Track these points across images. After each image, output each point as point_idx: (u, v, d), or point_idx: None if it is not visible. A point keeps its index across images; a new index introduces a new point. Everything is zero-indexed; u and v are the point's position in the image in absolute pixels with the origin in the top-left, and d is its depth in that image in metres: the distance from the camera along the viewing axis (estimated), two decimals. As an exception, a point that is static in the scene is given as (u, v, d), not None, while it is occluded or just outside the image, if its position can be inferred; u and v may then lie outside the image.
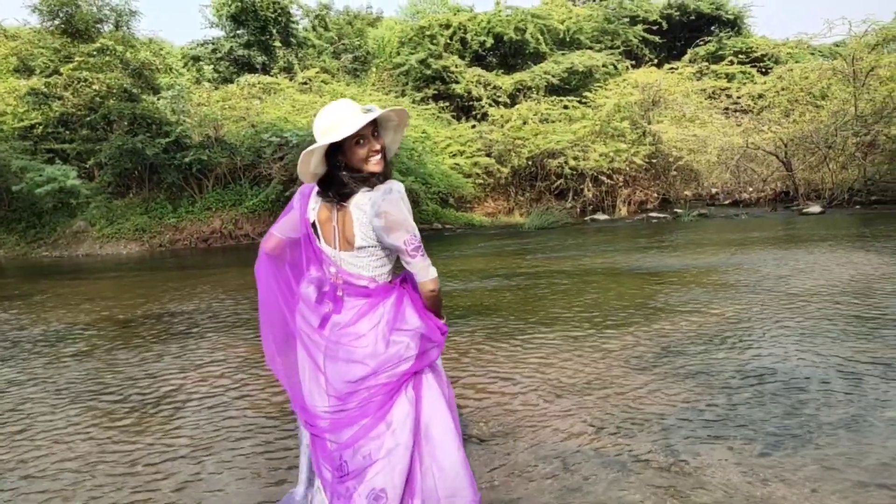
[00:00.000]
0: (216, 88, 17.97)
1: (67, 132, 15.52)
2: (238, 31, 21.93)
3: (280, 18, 21.60)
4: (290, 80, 18.53)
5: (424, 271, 2.04)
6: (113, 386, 4.38)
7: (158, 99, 15.75)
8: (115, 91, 15.25)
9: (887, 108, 15.12)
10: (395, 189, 1.99)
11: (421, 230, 2.07)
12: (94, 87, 15.09)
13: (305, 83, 18.17)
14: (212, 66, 21.54)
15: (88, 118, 15.11)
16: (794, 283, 6.55)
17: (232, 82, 18.89)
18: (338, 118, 1.97)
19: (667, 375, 4.02)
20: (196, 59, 22.46)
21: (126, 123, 14.78)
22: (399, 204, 1.97)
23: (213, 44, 22.22)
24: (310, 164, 2.01)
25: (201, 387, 4.27)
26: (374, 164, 2.02)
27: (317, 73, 18.53)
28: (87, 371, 4.77)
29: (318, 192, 2.08)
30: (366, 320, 2.03)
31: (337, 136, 1.94)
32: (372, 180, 2.01)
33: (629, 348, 4.64)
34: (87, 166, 15.31)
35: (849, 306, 5.48)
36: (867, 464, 2.75)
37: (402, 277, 2.16)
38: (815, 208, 14.62)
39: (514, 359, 4.51)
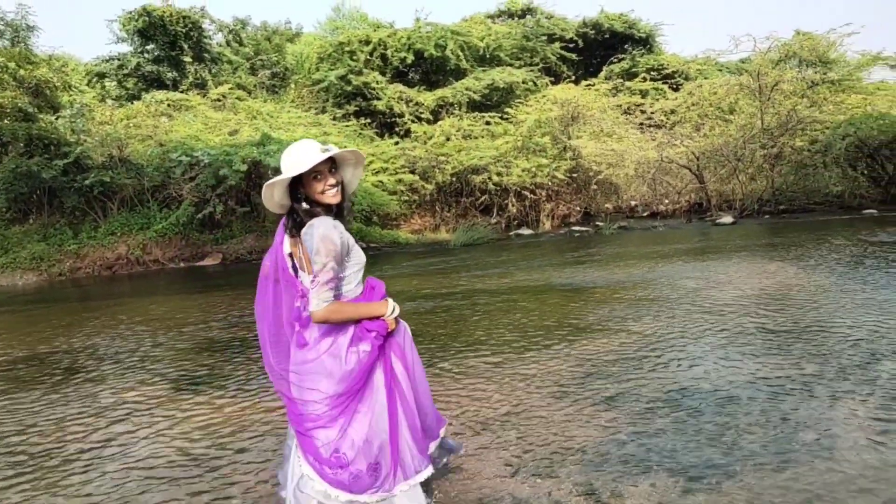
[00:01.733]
0: (121, 106, 17.01)
1: (-45, 155, 14.28)
2: (147, 47, 20.96)
3: (192, 33, 20.78)
4: (203, 96, 17.78)
5: (310, 304, 2.27)
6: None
7: (57, 118, 14.75)
8: (9, 111, 14.15)
9: (791, 121, 15.90)
10: (314, 225, 2.23)
11: None
12: (-15, 106, 13.97)
13: (219, 100, 17.47)
14: (116, 83, 20.44)
15: (-22, 140, 13.96)
16: (710, 297, 6.59)
17: (140, 100, 17.97)
18: (298, 155, 2.22)
19: (588, 402, 3.85)
20: (101, 75, 21.29)
21: (22, 145, 13.72)
22: (315, 240, 2.21)
23: (118, 59, 21.13)
24: (273, 196, 2.28)
25: (100, 435, 3.79)
26: (331, 197, 2.29)
27: (230, 88, 17.85)
28: (-53, 428, 4.18)
29: (284, 224, 2.35)
30: (331, 342, 2.32)
31: (294, 172, 2.20)
32: (329, 213, 2.30)
33: (551, 373, 4.47)
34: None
35: (763, 319, 5.52)
36: (795, 498, 2.63)
37: (369, 285, 2.49)
38: (728, 219, 15.14)
39: (433, 392, 4.23)
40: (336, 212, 2.34)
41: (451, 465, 3.11)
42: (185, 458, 3.45)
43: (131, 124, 15.22)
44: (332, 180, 2.28)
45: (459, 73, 21.42)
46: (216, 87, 18.99)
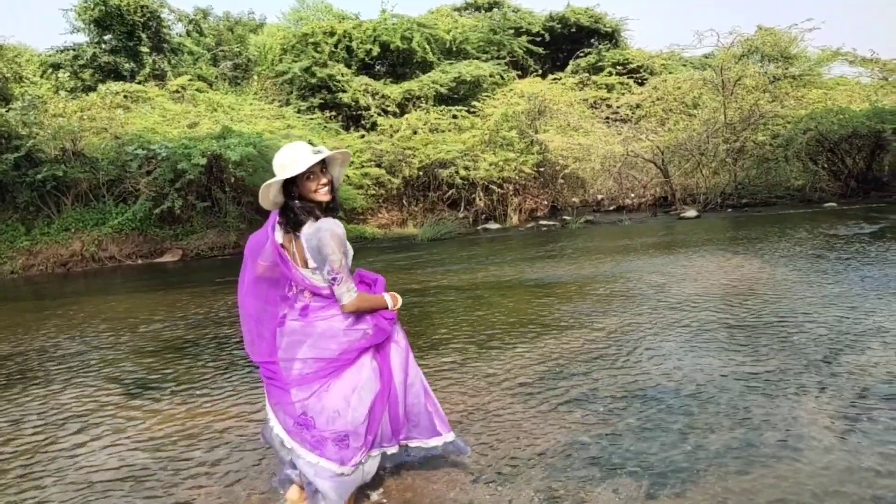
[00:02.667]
0: (75, 98, 16.43)
1: None
2: (104, 37, 20.28)
3: (150, 23, 20.18)
4: (161, 88, 17.27)
5: (341, 297, 2.48)
6: None
7: (8, 110, 14.15)
8: (-45, 103, 13.56)
9: (753, 115, 16.10)
10: (322, 228, 2.42)
11: None
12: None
13: (178, 91, 16.99)
14: (71, 74, 19.75)
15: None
16: (674, 292, 6.58)
17: (96, 91, 17.38)
18: (292, 157, 2.39)
19: (551, 403, 3.76)
20: (56, 66, 20.54)
21: (-30, 139, 13.14)
22: (326, 240, 2.40)
23: (74, 50, 20.41)
24: (269, 195, 2.47)
25: (52, 443, 3.56)
26: (323, 195, 2.48)
27: (190, 80, 17.36)
28: None
29: (278, 221, 2.52)
30: (330, 316, 2.51)
31: (290, 173, 2.38)
32: (321, 208, 2.48)
33: (514, 372, 4.37)
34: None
35: (726, 314, 5.51)
36: (760, 502, 2.57)
37: (366, 279, 2.69)
38: (692, 213, 15.28)
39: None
40: (326, 207, 2.52)
41: (408, 471, 2.98)
42: (140, 467, 3.26)
43: (85, 116, 14.69)
44: (323, 179, 2.47)
45: (426, 66, 21.21)
46: (176, 79, 18.47)
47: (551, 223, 16.15)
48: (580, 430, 3.36)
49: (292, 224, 2.46)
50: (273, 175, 2.45)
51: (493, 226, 16.56)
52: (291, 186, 2.44)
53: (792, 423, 3.25)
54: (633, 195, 18.49)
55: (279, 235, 2.52)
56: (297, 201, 2.45)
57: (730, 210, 15.82)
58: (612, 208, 18.62)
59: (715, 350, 4.55)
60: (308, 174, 2.43)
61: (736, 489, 2.65)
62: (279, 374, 2.54)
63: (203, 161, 12.31)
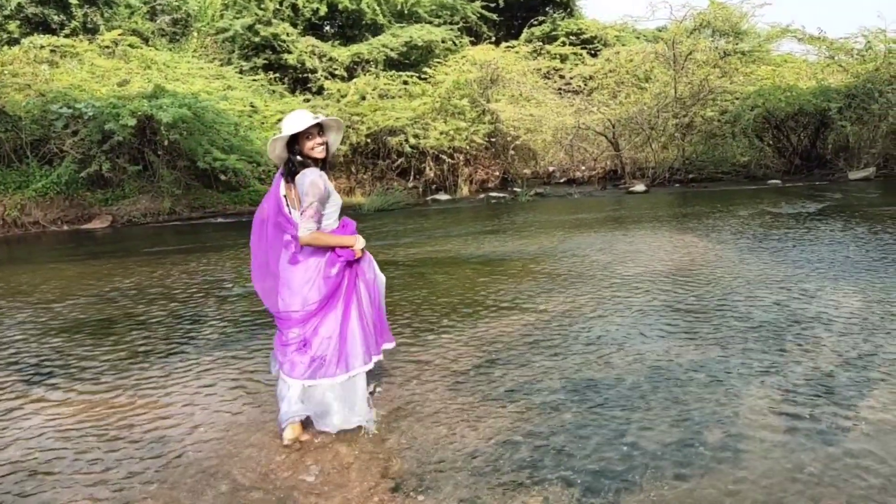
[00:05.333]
0: (-5, 51, 15.20)
1: None
2: (30, -15, 18.78)
3: (81, -29, 18.75)
4: (91, 42, 16.12)
5: (299, 228, 2.93)
6: None
7: (-80, 63, 12.99)
8: None
9: (703, 91, 16.09)
10: (307, 174, 2.94)
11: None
12: None
13: (109, 47, 15.91)
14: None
15: None
16: (619, 272, 6.43)
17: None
18: (295, 119, 2.93)
19: (485, 395, 3.53)
20: (-24, 15, 18.97)
21: None
22: (305, 185, 2.90)
23: (-4, -2, 18.86)
24: (276, 150, 3.01)
25: None
26: (318, 153, 3.01)
27: (121, 34, 16.25)
28: None
29: (281, 173, 3.06)
30: (307, 266, 3.00)
31: (292, 131, 2.91)
32: (316, 164, 3.02)
33: (448, 358, 4.12)
34: None
35: (670, 296, 5.38)
36: (692, 512, 2.39)
37: (342, 223, 3.17)
38: (640, 187, 15.28)
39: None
40: (322, 165, 3.06)
41: (325, 476, 2.70)
42: (34, 460, 2.88)
43: (7, 72, 13.59)
44: (319, 140, 3.01)
45: (376, 29, 20.47)
46: (108, 33, 17.29)
47: (501, 195, 15.94)
48: (511, 427, 3.14)
49: (290, 174, 3.00)
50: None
51: (442, 197, 16.25)
52: (294, 144, 2.99)
53: (733, 419, 3.09)
54: (583, 168, 18.41)
55: (282, 188, 3.07)
56: (297, 156, 2.99)
57: (677, 185, 15.90)
58: (562, 181, 18.52)
59: (657, 336, 4.39)
60: (307, 134, 2.96)
61: (671, 499, 2.46)
62: (285, 320, 3.05)
63: (132, 122, 11.55)
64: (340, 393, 3.05)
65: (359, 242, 3.11)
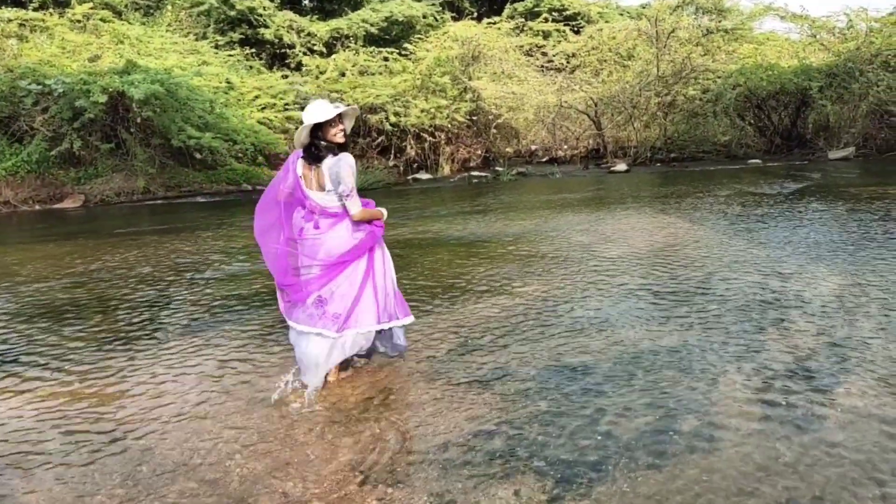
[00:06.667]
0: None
1: None
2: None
3: (50, -59, 18.14)
4: (62, 16, 15.64)
5: (352, 208, 3.32)
6: None
7: None
8: None
9: (685, 69, 16.02)
10: (342, 158, 3.30)
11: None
12: None
13: (80, 21, 15.44)
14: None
15: None
16: (599, 254, 6.39)
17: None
18: (319, 109, 3.26)
19: (459, 383, 3.46)
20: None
21: None
22: (345, 168, 3.28)
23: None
24: (301, 137, 3.32)
25: None
26: (340, 138, 3.33)
27: (92, 7, 15.78)
28: None
29: (302, 157, 3.37)
30: (337, 228, 3.37)
31: (321, 119, 3.24)
32: (337, 149, 3.34)
33: (423, 343, 4.05)
34: None
35: (648, 279, 5.34)
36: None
37: (364, 202, 3.43)
38: (622, 166, 15.24)
39: (283, 372, 3.71)
40: (341, 147, 3.37)
41: (283, 469, 2.63)
42: (-43, 472, 2.77)
43: (-29, 46, 13.17)
44: (340, 127, 3.33)
45: (356, 4, 20.14)
46: (79, 6, 16.78)
47: (483, 174, 15.83)
48: (486, 415, 3.08)
49: (315, 158, 3.31)
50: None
51: (423, 176, 16.11)
52: (318, 131, 3.29)
53: (708, 406, 3.06)
54: (566, 147, 18.33)
55: (300, 168, 3.36)
56: (322, 142, 3.30)
57: (658, 165, 15.88)
58: (545, 159, 18.44)
59: (635, 320, 4.35)
60: (330, 122, 3.27)
61: (644, 491, 2.41)
62: (298, 286, 3.41)
63: (103, 98, 11.25)
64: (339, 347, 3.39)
65: (385, 215, 3.56)
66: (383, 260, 3.55)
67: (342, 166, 3.28)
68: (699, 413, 3.00)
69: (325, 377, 3.45)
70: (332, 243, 3.35)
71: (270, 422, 3.12)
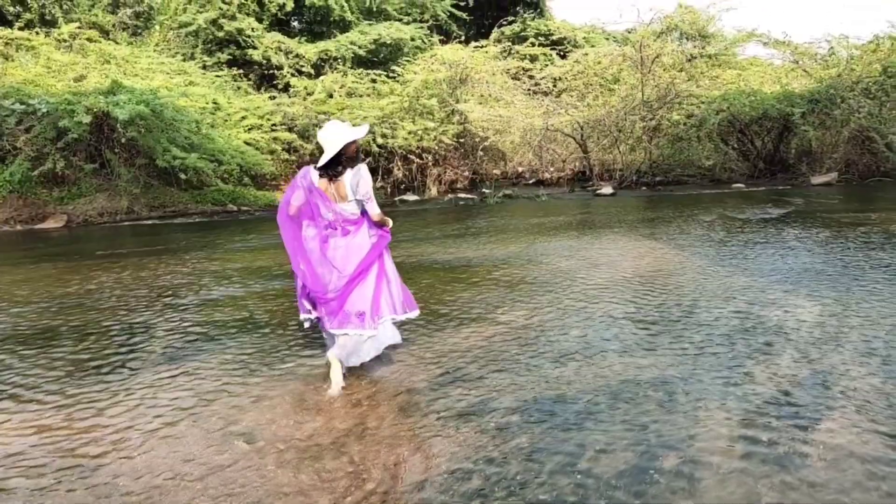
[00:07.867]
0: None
1: None
2: (-16, -26, 18.11)
3: (38, -39, 18.15)
4: (47, 35, 15.59)
5: (373, 210, 3.88)
6: None
7: None
8: None
9: (670, 94, 16.20)
10: (362, 169, 3.79)
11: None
12: None
13: (66, 41, 15.40)
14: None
15: None
16: (583, 280, 6.36)
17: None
18: (338, 131, 3.70)
19: (438, 417, 3.40)
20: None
21: None
22: (366, 176, 3.78)
23: (-53, -13, 18.14)
24: (330, 155, 3.70)
25: None
26: (353, 153, 3.78)
27: (79, 27, 15.74)
28: None
29: (320, 174, 3.78)
30: (360, 232, 3.89)
31: (350, 139, 3.70)
32: (355, 162, 3.79)
33: (402, 375, 3.98)
34: None
35: (632, 308, 5.32)
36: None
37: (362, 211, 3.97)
38: (608, 189, 15.32)
39: (260, 404, 3.63)
40: (355, 160, 3.80)
41: (259, 516, 2.54)
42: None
43: (-45, 65, 13.08)
44: (355, 143, 3.75)
45: (344, 26, 20.23)
46: (66, 25, 16.74)
47: (470, 196, 15.86)
48: (465, 452, 3.02)
49: (336, 173, 3.72)
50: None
51: (410, 197, 16.10)
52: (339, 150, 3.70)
53: (689, 443, 3.01)
54: (552, 169, 18.43)
55: (316, 181, 3.76)
56: (344, 157, 3.70)
57: (644, 188, 15.99)
58: (532, 181, 18.51)
59: (618, 351, 4.31)
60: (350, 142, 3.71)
61: (625, 535, 2.36)
62: (327, 291, 3.81)
63: (87, 119, 11.18)
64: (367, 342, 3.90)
65: (391, 223, 4.07)
66: (391, 263, 4.11)
67: (363, 175, 3.77)
68: (680, 451, 2.95)
69: (340, 380, 3.79)
70: (357, 244, 3.85)
71: (245, 458, 3.03)
